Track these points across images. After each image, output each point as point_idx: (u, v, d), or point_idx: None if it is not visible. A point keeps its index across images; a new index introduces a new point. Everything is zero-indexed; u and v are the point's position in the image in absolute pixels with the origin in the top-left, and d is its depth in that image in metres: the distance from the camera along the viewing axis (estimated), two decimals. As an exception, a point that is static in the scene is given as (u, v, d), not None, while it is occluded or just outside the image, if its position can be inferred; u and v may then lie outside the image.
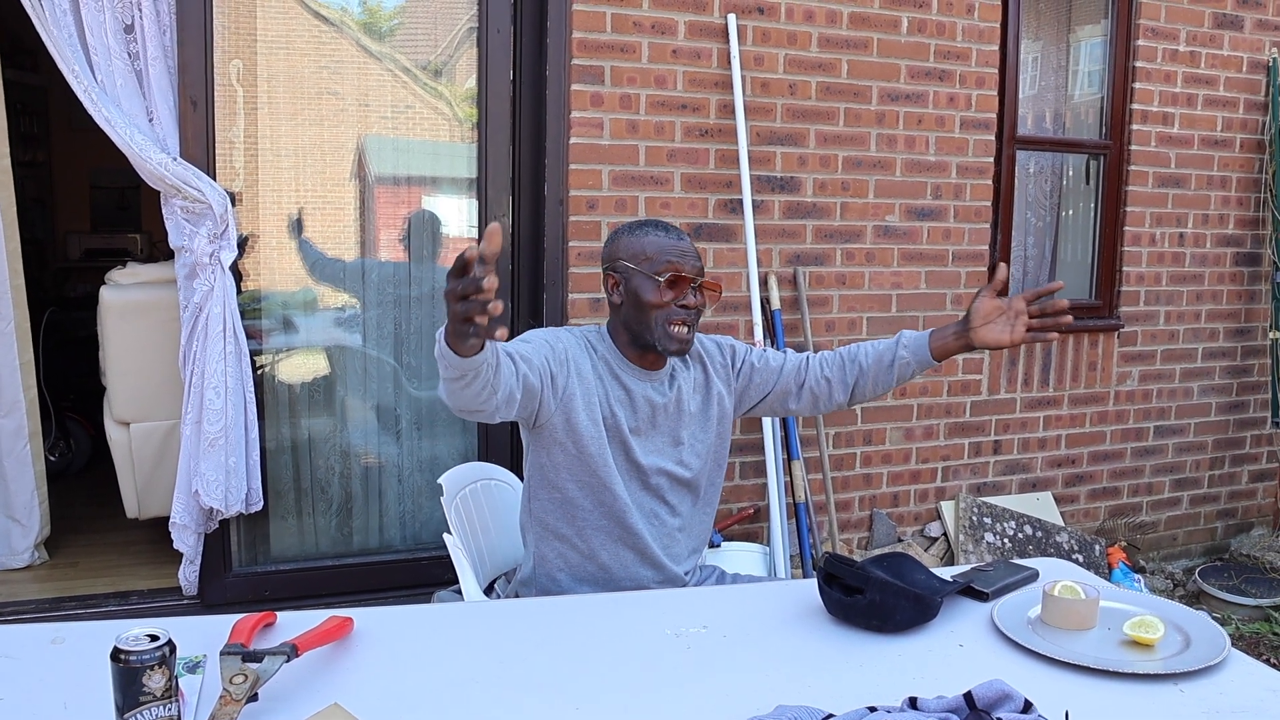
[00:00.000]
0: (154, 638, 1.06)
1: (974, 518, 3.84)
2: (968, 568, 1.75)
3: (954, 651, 1.47)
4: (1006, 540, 3.82)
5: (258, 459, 2.97)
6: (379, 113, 3.27)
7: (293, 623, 1.51)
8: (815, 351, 2.10)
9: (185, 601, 3.10)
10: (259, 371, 3.21)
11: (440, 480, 2.09)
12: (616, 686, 1.35)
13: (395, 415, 3.41)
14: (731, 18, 3.33)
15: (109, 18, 2.81)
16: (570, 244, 3.25)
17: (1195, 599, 4.03)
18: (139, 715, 1.04)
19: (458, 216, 3.41)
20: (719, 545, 3.22)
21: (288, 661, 1.32)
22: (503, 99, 3.23)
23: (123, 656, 1.04)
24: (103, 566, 3.48)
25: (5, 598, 3.23)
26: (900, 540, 3.84)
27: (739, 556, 3.20)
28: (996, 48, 3.76)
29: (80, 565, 3.52)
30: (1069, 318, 1.88)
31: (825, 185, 3.57)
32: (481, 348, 1.51)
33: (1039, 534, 3.87)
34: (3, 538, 3.43)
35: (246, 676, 1.24)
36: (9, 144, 3.34)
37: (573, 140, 3.21)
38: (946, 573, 1.73)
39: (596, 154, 3.25)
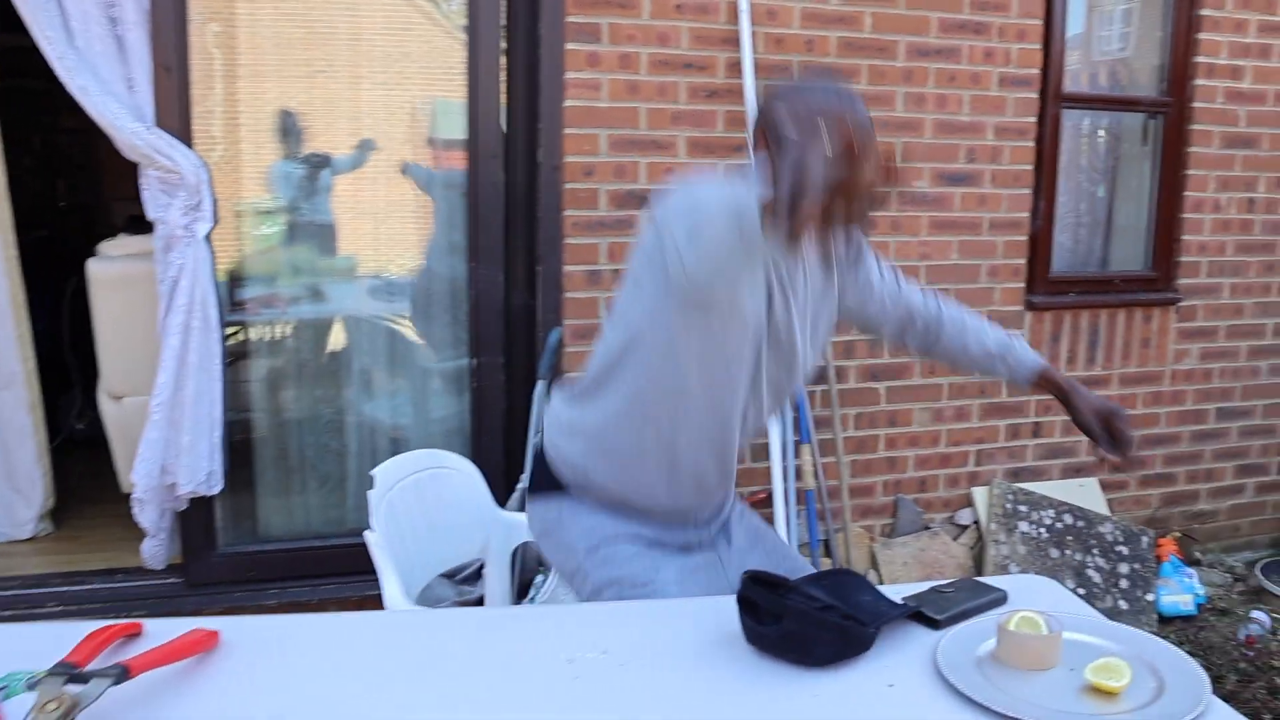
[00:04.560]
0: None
1: (1008, 505, 3.59)
2: (925, 587, 1.53)
3: (881, 692, 1.26)
4: (1043, 530, 3.55)
5: (219, 439, 2.87)
6: (369, 71, 3.13)
7: (163, 633, 1.37)
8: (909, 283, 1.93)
9: (170, 581, 3.04)
10: (244, 343, 3.12)
11: (374, 471, 1.94)
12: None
13: (389, 386, 3.29)
14: (741, -32, 3.09)
15: (87, -20, 2.70)
16: (566, 213, 3.07)
17: (1256, 595, 3.72)
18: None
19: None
20: (719, 533, 3.03)
21: (115, 684, 1.19)
22: (493, 60, 3.05)
23: None
24: (103, 540, 3.44)
25: (3, 571, 3.21)
26: (927, 528, 3.61)
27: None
28: (1040, -4, 3.45)
29: (82, 539, 3.49)
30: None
31: (846, 148, 3.31)
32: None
33: (1080, 524, 3.59)
34: (6, 509, 3.42)
35: (60, 703, 1.12)
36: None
37: (568, 103, 3.02)
38: (904, 591, 1.52)
39: (593, 117, 3.06)
